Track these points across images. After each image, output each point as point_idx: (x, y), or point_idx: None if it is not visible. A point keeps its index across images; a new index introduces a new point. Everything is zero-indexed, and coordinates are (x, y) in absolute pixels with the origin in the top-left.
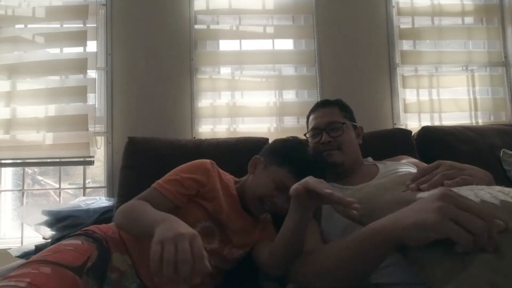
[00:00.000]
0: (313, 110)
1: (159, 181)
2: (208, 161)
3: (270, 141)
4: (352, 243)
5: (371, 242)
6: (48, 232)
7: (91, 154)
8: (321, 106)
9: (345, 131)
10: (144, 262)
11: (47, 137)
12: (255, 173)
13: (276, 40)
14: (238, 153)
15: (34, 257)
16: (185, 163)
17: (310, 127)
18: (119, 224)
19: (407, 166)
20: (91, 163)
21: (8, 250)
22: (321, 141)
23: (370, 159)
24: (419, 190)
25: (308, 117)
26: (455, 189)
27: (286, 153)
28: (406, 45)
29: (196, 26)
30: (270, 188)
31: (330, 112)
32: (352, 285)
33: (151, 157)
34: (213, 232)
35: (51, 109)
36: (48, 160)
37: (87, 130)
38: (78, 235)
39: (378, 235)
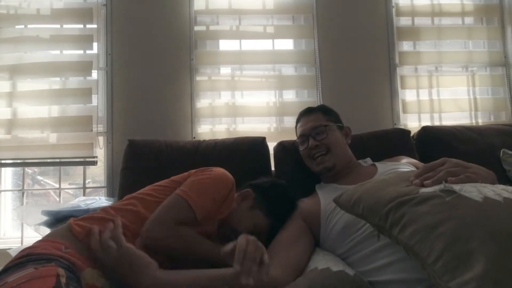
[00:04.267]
0: (298, 119)
1: (188, 191)
2: (230, 182)
3: (267, 140)
4: None
5: None
6: (48, 232)
7: (94, 155)
8: (304, 114)
9: (329, 132)
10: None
11: (51, 138)
12: (241, 205)
13: (276, 40)
14: (236, 152)
15: None
16: (184, 164)
17: (297, 135)
18: (161, 247)
19: (407, 166)
20: (94, 163)
21: (7, 250)
22: (309, 146)
23: (369, 160)
24: (423, 186)
25: (296, 127)
26: (459, 186)
27: (277, 205)
28: (406, 45)
29: (196, 26)
30: (248, 229)
31: (314, 118)
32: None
33: (151, 159)
34: None
35: (56, 110)
36: (50, 160)
37: (92, 130)
38: (19, 264)
39: None
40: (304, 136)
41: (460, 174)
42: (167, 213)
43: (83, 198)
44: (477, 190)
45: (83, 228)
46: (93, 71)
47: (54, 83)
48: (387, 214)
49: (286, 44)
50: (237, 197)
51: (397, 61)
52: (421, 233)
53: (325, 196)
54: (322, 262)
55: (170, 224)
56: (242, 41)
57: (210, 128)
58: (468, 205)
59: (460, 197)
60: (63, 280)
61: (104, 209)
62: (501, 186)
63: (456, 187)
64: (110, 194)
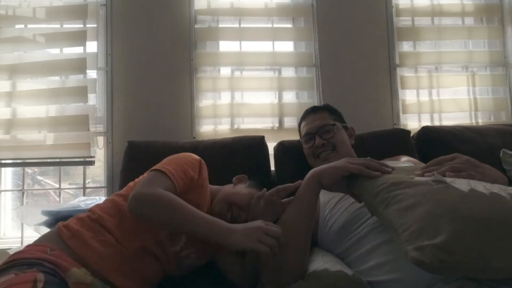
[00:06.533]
0: (303, 118)
1: (162, 165)
2: (197, 157)
3: (266, 139)
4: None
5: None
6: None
7: (92, 154)
8: (310, 112)
9: (336, 132)
10: (110, 264)
11: (48, 137)
12: (236, 186)
13: (276, 42)
14: (235, 151)
15: None
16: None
17: (302, 133)
18: (145, 214)
19: (406, 164)
20: (91, 163)
21: (7, 250)
22: (315, 144)
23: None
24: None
25: (299, 125)
26: (451, 178)
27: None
28: (406, 45)
29: (196, 26)
30: (245, 200)
31: (320, 117)
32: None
33: (150, 159)
34: (180, 236)
35: (52, 109)
36: (49, 160)
37: (88, 130)
38: (5, 269)
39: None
40: (310, 134)
41: (464, 171)
42: (147, 185)
43: (83, 198)
44: (467, 184)
45: (69, 230)
46: (91, 70)
47: (51, 82)
48: (377, 193)
49: (286, 46)
50: (234, 180)
51: (397, 61)
52: (401, 211)
53: (324, 196)
54: (320, 263)
55: (153, 191)
56: (242, 42)
57: (210, 128)
58: (452, 193)
59: (447, 187)
60: (40, 285)
61: (90, 210)
62: (498, 185)
63: (448, 179)
64: (110, 194)
